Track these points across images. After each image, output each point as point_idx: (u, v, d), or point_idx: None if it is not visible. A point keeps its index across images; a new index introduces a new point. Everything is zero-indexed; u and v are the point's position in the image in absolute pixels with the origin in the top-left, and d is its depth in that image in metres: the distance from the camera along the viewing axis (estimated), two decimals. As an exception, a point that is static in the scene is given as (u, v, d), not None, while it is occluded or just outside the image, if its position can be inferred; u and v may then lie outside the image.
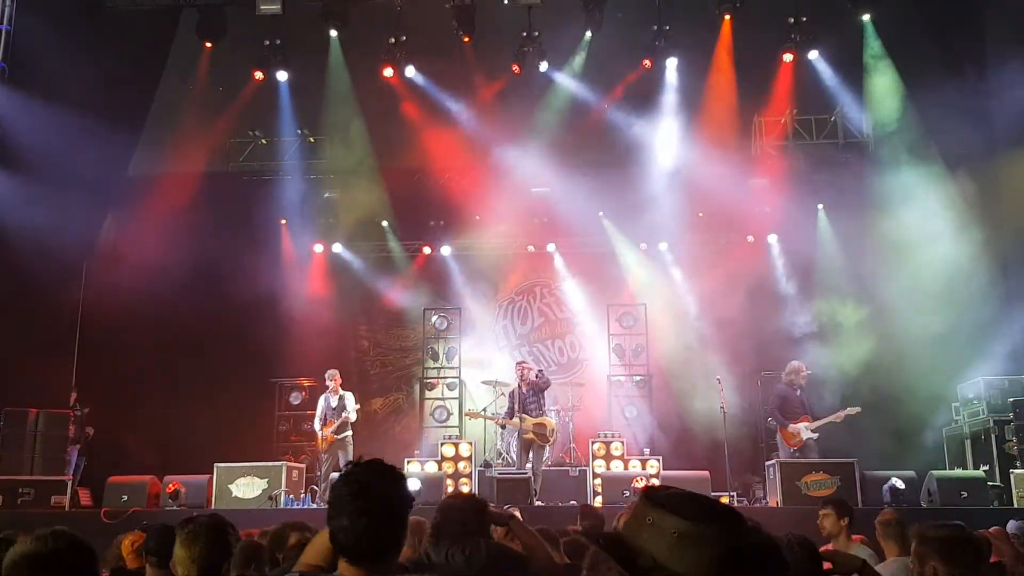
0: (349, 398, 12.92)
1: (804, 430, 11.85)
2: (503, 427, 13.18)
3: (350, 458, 11.46)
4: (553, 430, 12.69)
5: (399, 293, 16.69)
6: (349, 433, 12.84)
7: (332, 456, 12.69)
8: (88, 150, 12.22)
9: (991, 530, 6.18)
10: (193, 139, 15.37)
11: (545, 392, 12.84)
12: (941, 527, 3.75)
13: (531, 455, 12.45)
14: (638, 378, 15.21)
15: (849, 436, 12.45)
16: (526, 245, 16.89)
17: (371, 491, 2.49)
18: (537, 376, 12.79)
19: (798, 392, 12.14)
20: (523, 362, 13.25)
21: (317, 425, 12.96)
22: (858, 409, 11.94)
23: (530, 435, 12.41)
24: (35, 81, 12.28)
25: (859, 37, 14.55)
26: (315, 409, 13.26)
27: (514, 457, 12.94)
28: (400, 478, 2.59)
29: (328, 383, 12.98)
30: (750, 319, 15.09)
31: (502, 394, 13.61)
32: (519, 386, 12.74)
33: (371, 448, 13.99)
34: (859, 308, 14.12)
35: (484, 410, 13.80)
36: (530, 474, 11.80)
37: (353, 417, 12.83)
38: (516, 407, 12.55)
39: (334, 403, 12.85)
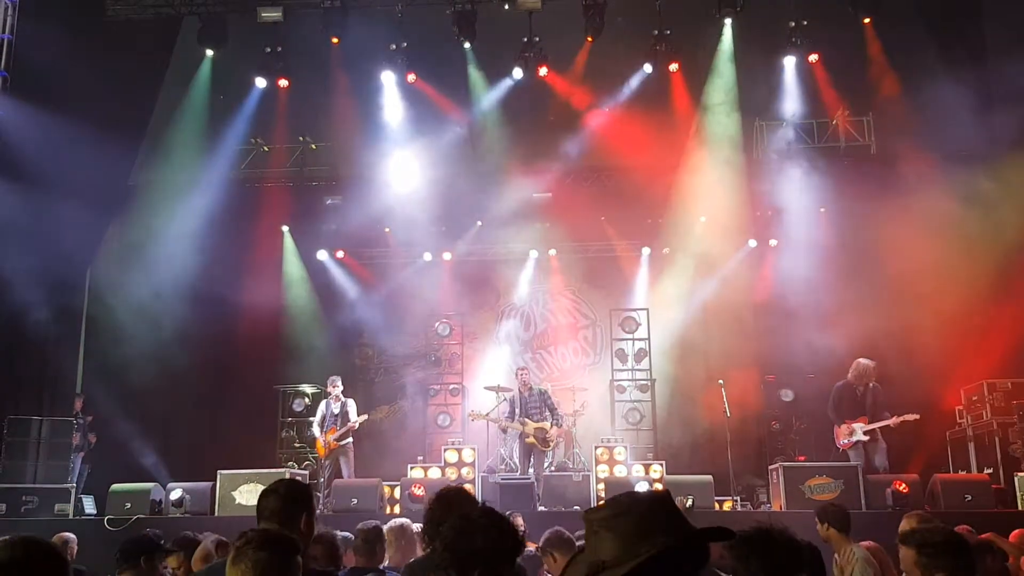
0: (351, 405, 12.88)
1: (857, 431, 11.48)
2: (504, 431, 13.16)
3: (351, 466, 11.46)
4: (554, 436, 12.67)
5: (401, 300, 16.68)
6: (350, 440, 12.83)
7: (333, 463, 12.70)
8: (90, 158, 12.23)
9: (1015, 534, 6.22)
10: (194, 147, 15.38)
11: (551, 401, 12.87)
12: (938, 531, 3.71)
13: (532, 460, 12.47)
14: (641, 383, 15.21)
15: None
16: (528, 250, 16.88)
17: None
18: (532, 389, 12.90)
19: (860, 391, 11.64)
20: (524, 368, 13.32)
21: (316, 431, 12.94)
22: (916, 416, 11.46)
23: (531, 439, 12.45)
24: (37, 90, 12.31)
25: (860, 40, 14.56)
26: (317, 414, 13.20)
27: (517, 462, 12.95)
28: None
29: (330, 389, 12.96)
30: (752, 323, 15.08)
31: (504, 399, 13.60)
32: (520, 391, 12.79)
33: (375, 456, 14.04)
34: (862, 310, 14.09)
35: (487, 415, 13.77)
36: (533, 480, 11.81)
37: (356, 424, 12.80)
38: (518, 411, 12.59)
39: (336, 409, 12.80)
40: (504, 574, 2.60)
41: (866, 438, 11.44)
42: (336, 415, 12.77)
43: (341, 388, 12.99)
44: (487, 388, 14.85)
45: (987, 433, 12.25)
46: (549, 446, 12.62)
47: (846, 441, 11.55)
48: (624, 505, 1.89)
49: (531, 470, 12.37)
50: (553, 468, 13.49)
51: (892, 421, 11.32)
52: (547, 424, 12.58)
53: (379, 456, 14.30)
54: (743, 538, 2.68)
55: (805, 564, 2.62)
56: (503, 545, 2.63)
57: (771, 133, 16.04)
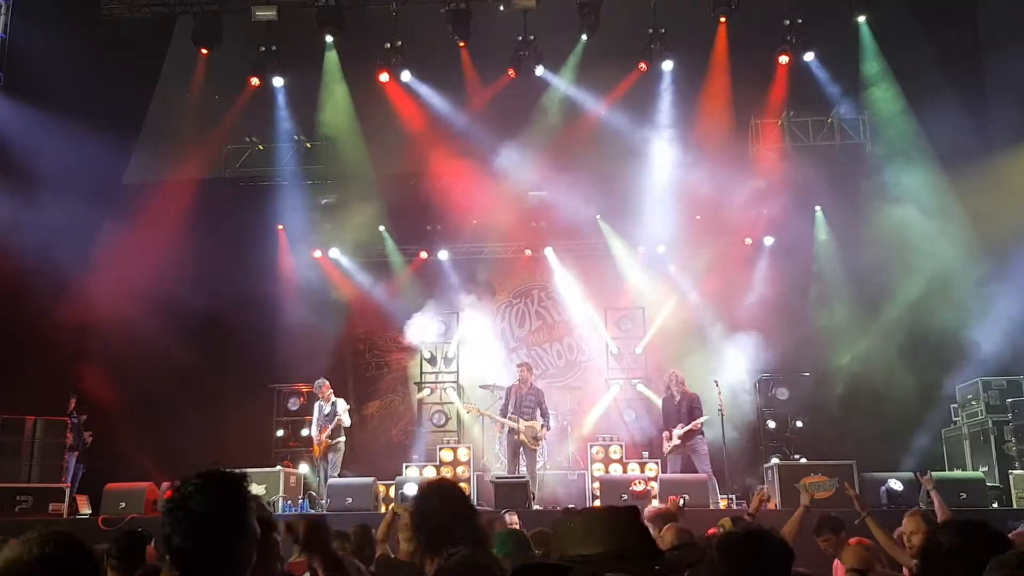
0: (341, 404, 13.11)
1: (673, 437, 12.25)
2: (502, 426, 13.07)
3: (337, 464, 11.51)
4: (543, 435, 12.72)
5: (397, 298, 16.66)
6: (342, 439, 12.97)
7: (327, 461, 12.80)
8: (84, 158, 12.20)
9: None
10: (189, 146, 15.37)
11: (544, 404, 12.88)
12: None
13: (523, 459, 12.46)
14: (636, 381, 15.20)
15: (847, 437, 12.45)
16: (523, 249, 16.86)
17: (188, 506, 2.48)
18: (531, 387, 12.91)
19: (675, 400, 12.48)
20: (525, 364, 13.27)
21: (313, 431, 13.13)
22: (705, 417, 12.26)
23: (522, 436, 12.43)
24: (31, 89, 12.28)
25: (855, 38, 14.59)
26: (312, 415, 13.47)
27: (504, 459, 12.94)
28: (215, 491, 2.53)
29: (318, 392, 13.20)
30: (748, 321, 15.06)
31: (500, 398, 13.58)
32: (518, 386, 12.75)
33: (368, 452, 14.07)
34: (857, 309, 14.11)
35: (484, 410, 13.76)
36: (528, 478, 11.80)
37: (347, 422, 13.01)
38: (510, 406, 12.57)
39: (327, 410, 13.04)
40: None
41: (679, 442, 12.16)
42: (327, 415, 13.03)
43: (329, 389, 13.22)
44: (482, 387, 14.86)
45: (982, 431, 12.26)
46: (539, 444, 12.63)
47: (667, 447, 12.34)
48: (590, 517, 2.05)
49: (523, 468, 12.35)
50: (548, 467, 13.51)
51: (693, 425, 12.15)
52: (537, 424, 12.58)
53: (374, 455, 14.30)
54: (733, 539, 2.66)
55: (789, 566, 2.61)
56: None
57: (766, 131, 16.03)
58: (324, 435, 12.85)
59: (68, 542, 2.42)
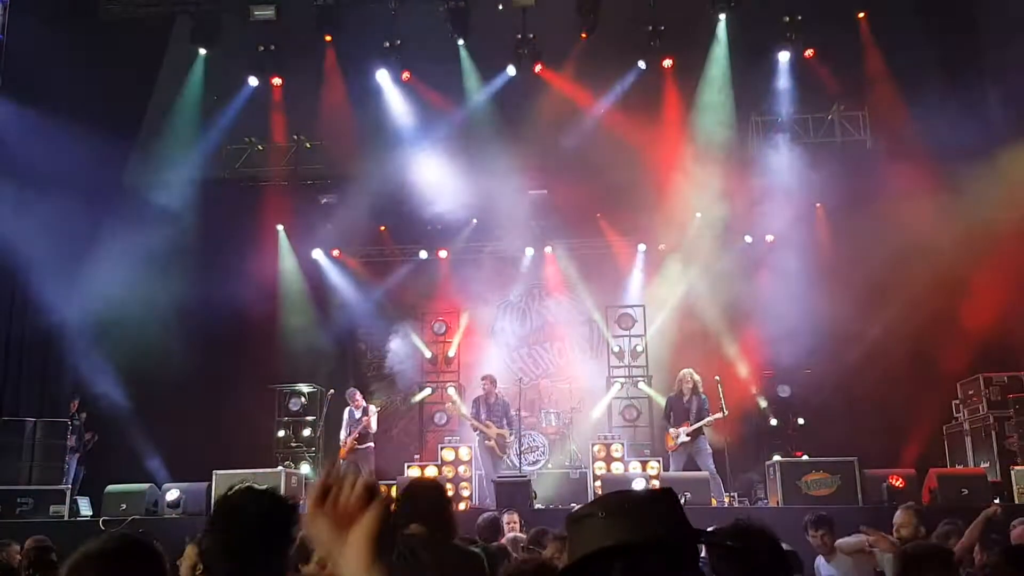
0: (371, 410, 13.66)
1: (681, 434, 12.36)
2: (475, 429, 13.20)
3: (372, 468, 11.97)
4: (511, 444, 13.05)
5: (397, 297, 16.65)
6: (370, 444, 13.50)
7: (352, 465, 12.84)
8: (82, 158, 12.19)
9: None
10: (188, 146, 15.35)
11: (511, 413, 13.18)
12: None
13: (493, 464, 12.77)
14: (638, 379, 15.18)
15: (849, 434, 12.44)
16: (523, 248, 16.83)
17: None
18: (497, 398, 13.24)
19: (684, 399, 12.64)
20: (488, 377, 13.51)
21: (343, 434, 13.57)
22: (720, 415, 12.38)
23: (491, 443, 12.83)
24: (30, 89, 12.28)
25: (855, 34, 14.56)
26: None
27: (514, 461, 12.99)
28: None
29: (350, 401, 13.65)
30: (749, 319, 15.05)
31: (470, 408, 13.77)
32: (485, 396, 13.13)
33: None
34: (858, 306, 14.07)
35: (463, 412, 13.87)
36: (529, 478, 11.84)
37: (373, 426, 13.54)
38: (483, 414, 12.97)
39: (358, 415, 13.50)
40: None
41: (688, 439, 12.30)
42: (357, 419, 13.47)
43: (359, 396, 13.82)
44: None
45: (984, 427, 12.25)
46: (506, 453, 12.97)
47: (672, 445, 12.51)
48: (623, 498, 1.88)
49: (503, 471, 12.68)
50: (549, 465, 13.57)
51: (704, 422, 12.36)
52: (506, 432, 12.97)
53: (376, 455, 14.28)
54: (723, 534, 2.63)
55: (785, 564, 2.58)
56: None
57: (766, 128, 15.99)
58: (352, 439, 13.31)
59: (134, 539, 2.61)
